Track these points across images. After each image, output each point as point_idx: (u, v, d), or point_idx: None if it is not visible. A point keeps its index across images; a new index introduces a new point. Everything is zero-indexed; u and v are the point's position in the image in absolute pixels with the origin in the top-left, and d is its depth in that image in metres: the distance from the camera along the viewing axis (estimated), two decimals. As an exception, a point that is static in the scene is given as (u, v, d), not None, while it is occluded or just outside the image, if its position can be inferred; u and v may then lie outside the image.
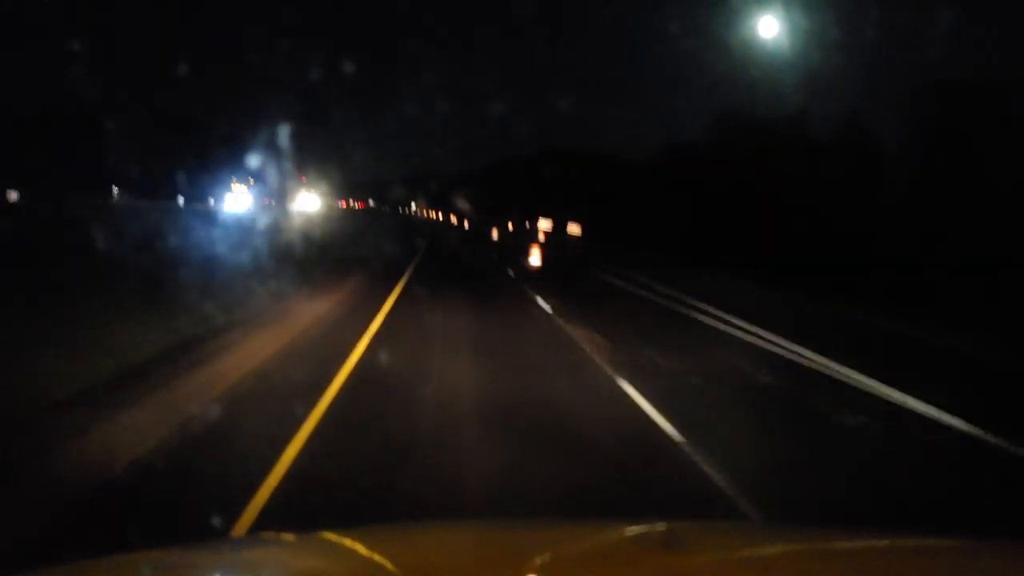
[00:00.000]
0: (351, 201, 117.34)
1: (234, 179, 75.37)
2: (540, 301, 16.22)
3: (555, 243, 45.99)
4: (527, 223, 60.74)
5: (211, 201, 66.81)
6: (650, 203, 44.78)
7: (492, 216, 68.19)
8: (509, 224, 60.90)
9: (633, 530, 2.26)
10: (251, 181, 74.89)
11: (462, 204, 77.61)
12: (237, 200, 66.62)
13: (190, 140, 66.90)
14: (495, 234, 52.14)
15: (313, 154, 78.25)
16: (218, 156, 67.53)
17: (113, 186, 65.57)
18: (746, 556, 2.08)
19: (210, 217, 44.31)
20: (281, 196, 66.57)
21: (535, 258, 26.44)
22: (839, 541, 2.27)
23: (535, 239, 48.28)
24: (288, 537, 2.49)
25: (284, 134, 45.06)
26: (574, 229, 51.25)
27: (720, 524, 3.69)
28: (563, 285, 21.45)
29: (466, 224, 68.91)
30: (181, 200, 66.32)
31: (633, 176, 54.41)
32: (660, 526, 2.32)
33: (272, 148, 45.41)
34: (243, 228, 32.79)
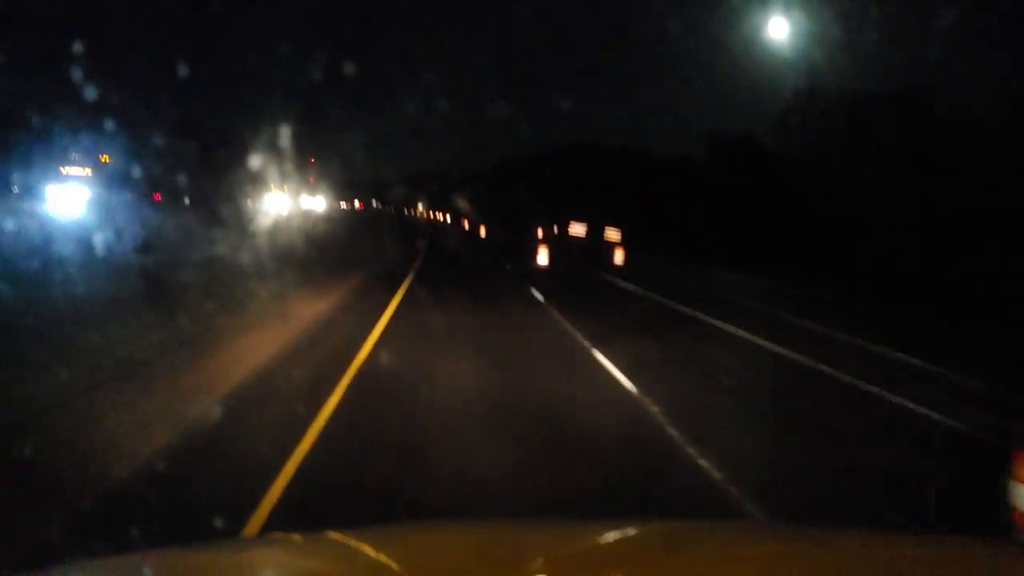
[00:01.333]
0: (354, 202, 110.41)
1: (74, 157, 50.85)
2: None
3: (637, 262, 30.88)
4: (555, 228, 53.41)
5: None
6: (704, 203, 39.00)
7: (521, 223, 52.59)
8: (540, 231, 44.35)
9: (633, 530, 2.24)
10: (104, 159, 52.09)
11: (465, 205, 71.14)
12: (67, 196, 40.75)
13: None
14: (544, 255, 27.48)
15: (313, 154, 70.99)
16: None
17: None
18: (746, 556, 2.00)
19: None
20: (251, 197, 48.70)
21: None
22: (840, 541, 2.15)
23: (612, 262, 29.99)
24: (295, 537, 2.38)
25: (285, 134, 39.20)
26: (612, 235, 45.12)
27: (721, 524, 3.43)
28: None
29: (481, 231, 55.95)
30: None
31: (661, 173, 48.67)
32: (660, 526, 2.35)
33: (274, 148, 39.23)
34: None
